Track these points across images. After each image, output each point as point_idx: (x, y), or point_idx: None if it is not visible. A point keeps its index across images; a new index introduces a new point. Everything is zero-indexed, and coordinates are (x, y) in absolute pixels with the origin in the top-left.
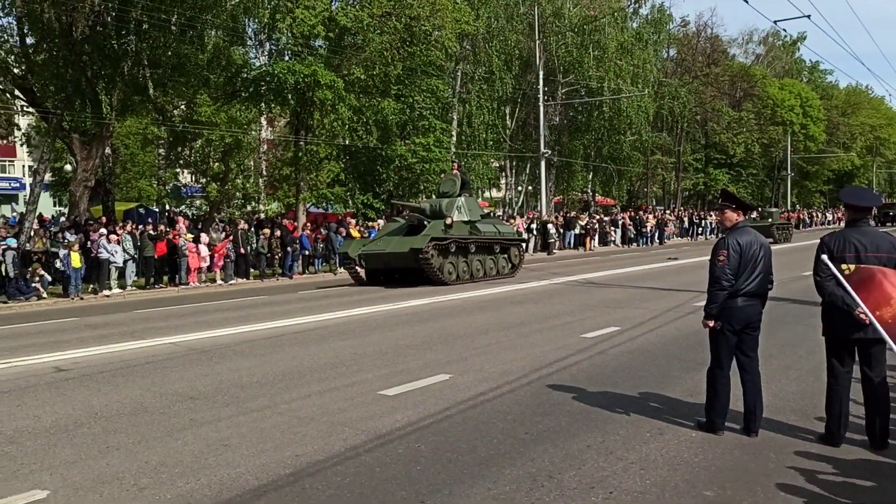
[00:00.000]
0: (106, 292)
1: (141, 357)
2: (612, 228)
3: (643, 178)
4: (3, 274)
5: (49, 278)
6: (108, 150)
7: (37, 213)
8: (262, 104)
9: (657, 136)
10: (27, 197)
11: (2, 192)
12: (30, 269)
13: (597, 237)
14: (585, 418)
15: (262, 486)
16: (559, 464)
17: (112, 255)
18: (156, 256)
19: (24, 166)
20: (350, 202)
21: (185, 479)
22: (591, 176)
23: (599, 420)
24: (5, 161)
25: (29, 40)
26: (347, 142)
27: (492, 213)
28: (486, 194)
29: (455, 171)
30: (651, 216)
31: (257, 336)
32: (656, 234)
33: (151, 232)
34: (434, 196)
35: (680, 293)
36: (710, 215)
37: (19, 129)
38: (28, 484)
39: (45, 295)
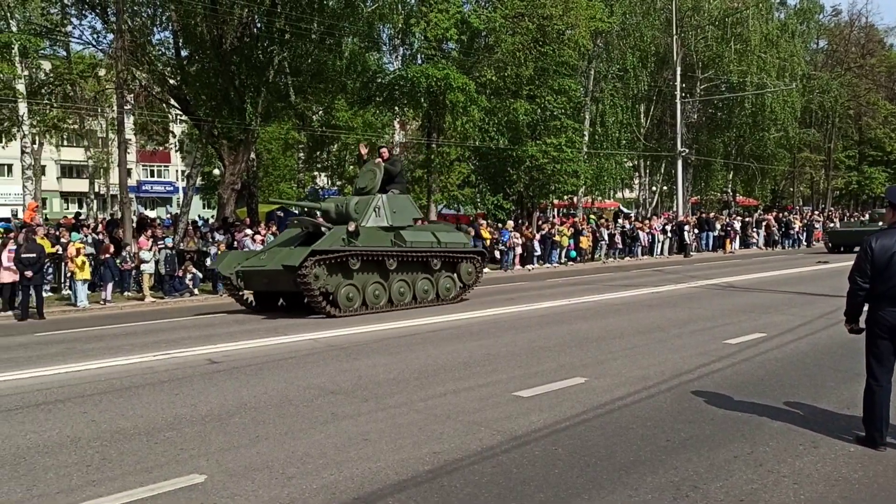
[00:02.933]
0: None
1: (284, 352)
2: (755, 230)
3: (789, 176)
4: (160, 271)
5: (200, 276)
6: (252, 155)
7: (189, 215)
8: (396, 108)
9: (805, 133)
10: (180, 199)
11: (158, 195)
12: (182, 267)
13: (738, 239)
14: (731, 427)
15: (402, 482)
16: (704, 474)
17: None
18: None
19: (177, 171)
20: (480, 203)
21: (329, 470)
22: (731, 175)
23: (747, 430)
24: (161, 166)
25: (183, 53)
26: (478, 143)
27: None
28: (619, 195)
29: (379, 160)
30: (798, 217)
31: (392, 335)
32: (803, 236)
33: None
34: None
35: (832, 299)
36: (865, 215)
37: (174, 136)
38: (188, 468)
39: (196, 292)
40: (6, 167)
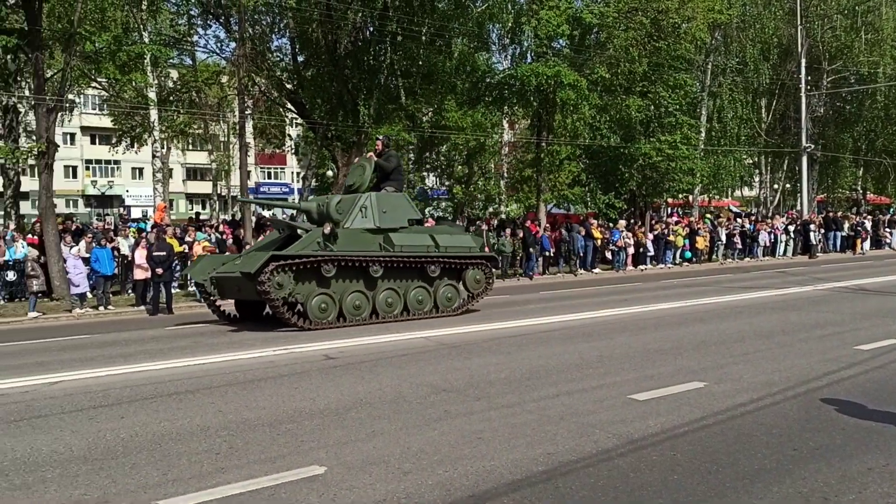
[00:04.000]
0: None
1: (397, 349)
2: (888, 229)
3: None
4: None
5: None
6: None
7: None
8: (505, 107)
9: None
10: (295, 200)
11: (274, 196)
12: None
13: (869, 239)
14: (865, 438)
15: (516, 482)
16: (835, 486)
17: None
18: None
19: (292, 172)
20: (591, 202)
21: (444, 467)
22: (861, 172)
23: (881, 441)
24: (277, 168)
25: (299, 58)
26: (589, 141)
27: (455, 217)
28: (738, 193)
29: (370, 155)
30: None
31: (503, 334)
32: None
33: None
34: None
35: None
36: None
37: (291, 139)
38: (308, 459)
39: None
40: (138, 170)
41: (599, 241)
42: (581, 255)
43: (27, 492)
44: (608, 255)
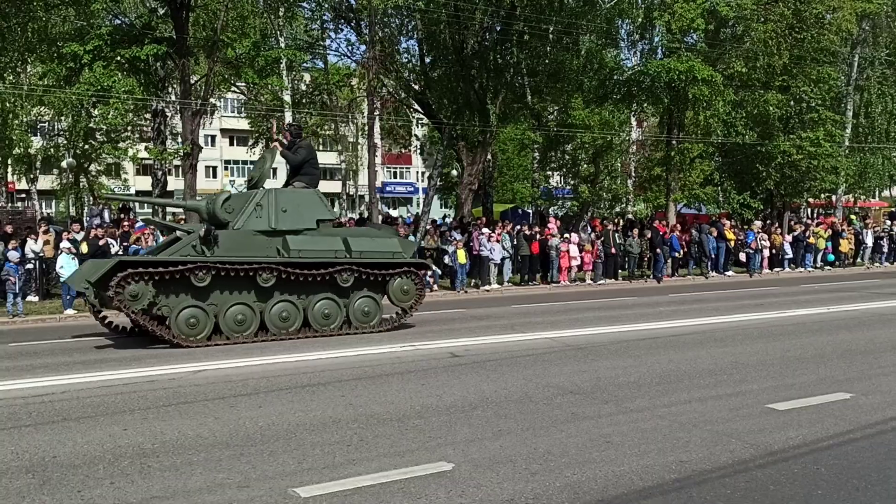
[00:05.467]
0: (486, 287)
1: (522, 349)
2: None
3: None
4: None
5: (439, 272)
6: (488, 156)
7: (430, 214)
8: (634, 104)
9: None
10: (420, 199)
11: (400, 195)
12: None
13: None
14: None
15: (647, 488)
16: None
17: (491, 252)
18: (530, 255)
19: (417, 172)
20: (724, 202)
21: (572, 469)
22: None
23: None
24: (403, 168)
25: (427, 59)
26: (723, 139)
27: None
28: (886, 192)
29: (275, 145)
30: None
31: (631, 337)
32: None
33: (526, 232)
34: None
35: None
36: None
37: (417, 139)
38: (436, 455)
39: (435, 287)
40: (273, 170)
41: (732, 243)
42: (713, 256)
43: (175, 473)
44: (742, 257)
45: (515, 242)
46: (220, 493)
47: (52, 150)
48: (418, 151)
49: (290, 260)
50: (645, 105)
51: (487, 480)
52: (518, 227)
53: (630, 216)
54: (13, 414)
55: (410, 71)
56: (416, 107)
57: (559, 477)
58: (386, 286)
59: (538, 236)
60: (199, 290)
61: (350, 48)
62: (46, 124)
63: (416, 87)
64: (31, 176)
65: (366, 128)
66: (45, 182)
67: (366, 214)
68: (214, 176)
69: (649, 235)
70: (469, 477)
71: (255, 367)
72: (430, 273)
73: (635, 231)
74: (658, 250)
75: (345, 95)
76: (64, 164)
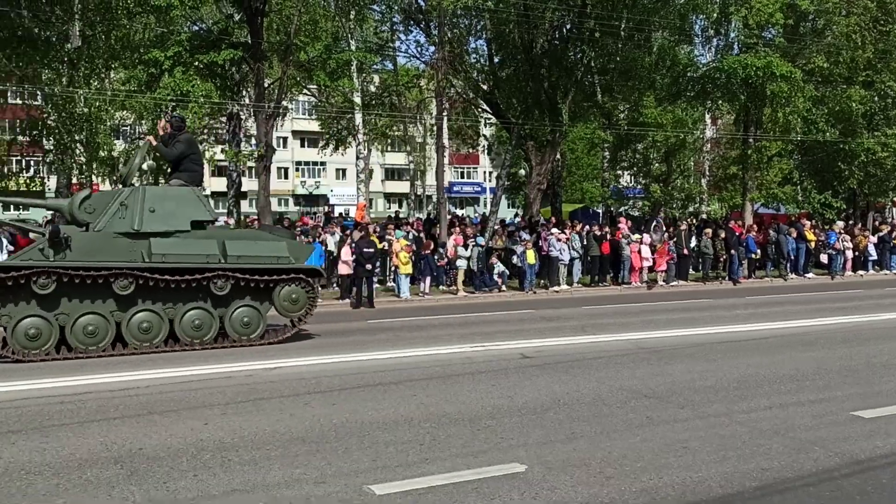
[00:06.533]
0: (555, 288)
1: (593, 351)
2: None
3: None
4: (472, 268)
5: (507, 272)
6: (557, 156)
7: (497, 214)
8: (709, 101)
9: None
10: (487, 199)
11: (467, 195)
12: (489, 262)
13: None
14: None
15: (726, 496)
16: None
17: (560, 253)
18: (601, 255)
19: (484, 172)
20: (804, 202)
21: (648, 474)
22: None
23: None
24: (470, 168)
25: (495, 59)
26: (802, 136)
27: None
28: None
29: (149, 138)
30: None
31: (707, 339)
32: None
33: (596, 232)
34: None
35: None
36: None
37: (486, 139)
38: (508, 457)
39: (503, 288)
40: (341, 171)
41: (813, 244)
42: (792, 258)
43: (255, 467)
44: (823, 258)
45: (585, 243)
46: (297, 487)
47: (133, 152)
48: (486, 151)
49: (150, 265)
50: (720, 102)
51: (561, 483)
52: (588, 227)
53: (704, 216)
54: (101, 406)
55: (479, 71)
56: (485, 107)
57: (635, 482)
58: (271, 294)
59: (608, 236)
60: (45, 299)
61: (419, 49)
62: (128, 128)
63: (485, 86)
64: (114, 177)
65: (434, 128)
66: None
67: (433, 214)
68: (286, 177)
69: (724, 236)
70: (542, 479)
71: (328, 365)
72: (497, 273)
73: (709, 231)
74: (733, 251)
75: (413, 96)
76: (145, 165)
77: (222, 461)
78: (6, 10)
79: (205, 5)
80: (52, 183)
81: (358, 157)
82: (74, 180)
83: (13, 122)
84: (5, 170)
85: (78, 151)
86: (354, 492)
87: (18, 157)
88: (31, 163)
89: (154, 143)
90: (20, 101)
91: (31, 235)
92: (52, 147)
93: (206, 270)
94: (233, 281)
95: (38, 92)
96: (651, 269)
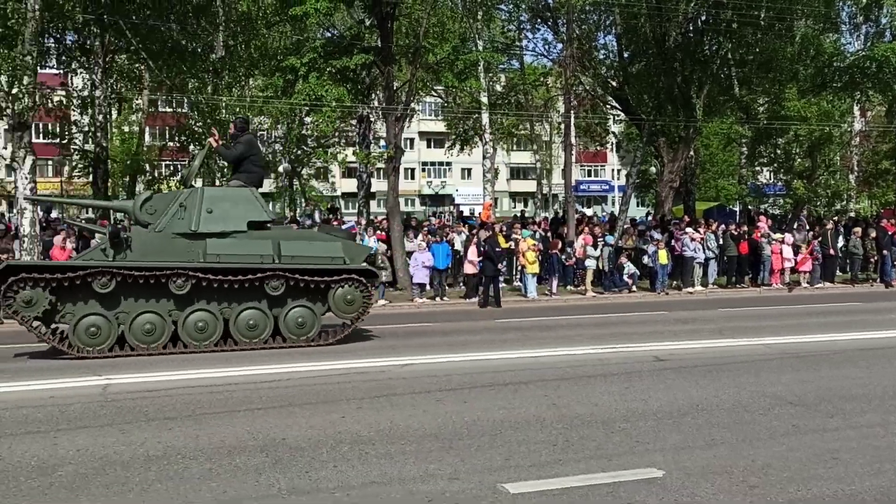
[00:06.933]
0: (689, 289)
1: (732, 355)
2: None
3: None
4: (601, 268)
5: (638, 273)
6: (691, 152)
7: (627, 213)
8: (858, 93)
9: None
10: (615, 198)
11: (594, 193)
12: (618, 262)
13: None
14: None
15: None
16: None
17: (695, 253)
18: (738, 255)
19: (612, 170)
20: None
21: (795, 485)
22: None
23: None
24: (597, 166)
25: (625, 54)
26: None
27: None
28: None
29: (210, 140)
30: None
31: (858, 345)
32: None
33: (734, 231)
34: None
35: None
36: None
37: (615, 136)
38: (644, 461)
39: (634, 288)
40: (467, 171)
41: None
42: None
43: (390, 461)
44: None
45: (721, 242)
46: (432, 482)
47: (269, 156)
48: (614, 149)
49: (205, 265)
50: (871, 93)
51: (702, 490)
52: (724, 225)
53: (852, 214)
54: (247, 397)
55: (608, 67)
56: (614, 103)
57: (781, 492)
58: (326, 295)
59: (746, 236)
60: (106, 298)
61: (546, 47)
62: (265, 132)
63: (614, 83)
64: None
65: (561, 126)
66: (264, 185)
67: (560, 213)
68: (413, 177)
69: (875, 235)
70: (681, 485)
71: (458, 363)
72: (627, 273)
73: (858, 230)
74: (885, 252)
75: (540, 95)
76: (280, 168)
77: (360, 454)
78: (158, 24)
79: (337, 12)
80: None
81: (484, 157)
82: (217, 183)
83: (163, 129)
84: (156, 173)
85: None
86: (488, 489)
87: (168, 162)
88: (180, 167)
89: (216, 144)
90: (169, 109)
91: (97, 236)
92: (198, 151)
93: (260, 271)
94: (287, 281)
95: (185, 100)
96: (793, 271)
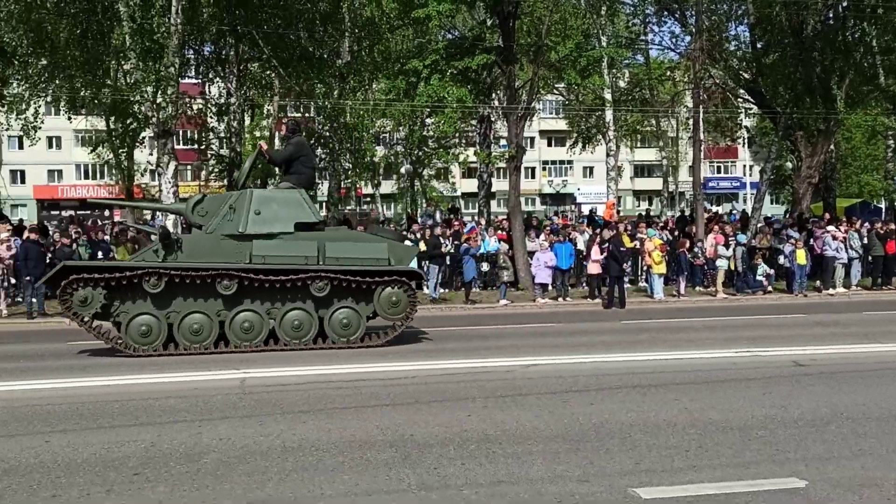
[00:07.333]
0: (830, 291)
1: (880, 361)
2: None
3: None
4: (733, 268)
5: (773, 274)
6: (831, 146)
7: (761, 211)
8: None
9: None
10: (746, 195)
11: (723, 190)
12: (752, 262)
13: None
14: None
15: None
16: None
17: (837, 252)
18: (885, 255)
19: (744, 166)
20: None
21: None
22: None
23: None
24: (728, 161)
25: (758, 45)
26: None
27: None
28: None
29: (261, 143)
30: None
31: None
32: None
33: (879, 230)
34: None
35: None
36: None
37: (747, 131)
38: (785, 470)
39: (769, 290)
40: (589, 169)
41: None
42: None
43: (517, 461)
44: None
45: (866, 241)
46: (561, 484)
47: (392, 157)
48: (746, 144)
49: (250, 266)
50: None
51: (848, 503)
52: (868, 224)
53: None
54: (375, 394)
55: (740, 59)
56: (746, 96)
57: None
58: (371, 296)
59: (895, 235)
60: (157, 297)
61: (673, 40)
62: (387, 134)
63: (747, 75)
64: (375, 181)
65: (689, 122)
66: (386, 186)
67: (687, 212)
68: (533, 176)
69: None
70: (826, 497)
71: (584, 364)
72: (761, 273)
73: None
74: None
75: (667, 89)
76: (402, 170)
77: (487, 452)
78: (288, 32)
79: (459, 14)
80: (324, 188)
81: (608, 155)
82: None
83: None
84: None
85: (344, 158)
86: (619, 493)
87: None
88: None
89: (265, 147)
90: (297, 114)
91: (152, 238)
92: (324, 155)
93: (304, 272)
94: (332, 282)
95: (312, 104)
96: None
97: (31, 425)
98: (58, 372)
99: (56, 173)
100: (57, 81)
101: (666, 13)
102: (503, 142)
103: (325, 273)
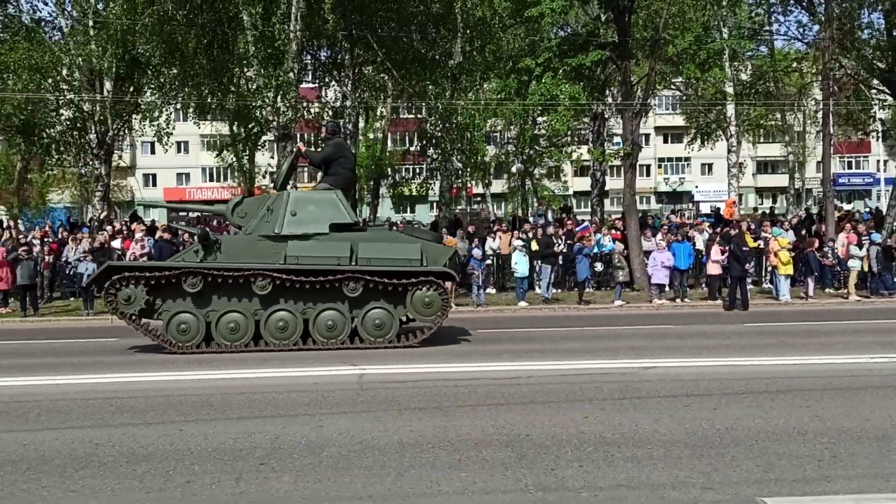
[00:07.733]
0: None
1: None
2: None
3: None
4: (868, 269)
5: None
6: None
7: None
8: None
9: None
10: (881, 192)
11: (854, 187)
12: (888, 263)
13: None
14: None
15: None
16: None
17: None
18: None
19: (877, 161)
20: None
21: None
22: None
23: None
24: (859, 156)
25: (894, 32)
26: None
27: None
28: None
29: (300, 144)
30: None
31: None
32: None
33: None
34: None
35: None
36: None
37: (882, 124)
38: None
39: None
40: (707, 166)
41: None
42: None
43: (637, 465)
44: None
45: None
46: (684, 490)
47: (503, 156)
48: (880, 138)
49: (284, 267)
50: None
51: None
52: None
53: None
54: (489, 393)
55: (874, 48)
56: (881, 87)
57: None
58: (405, 297)
59: None
60: (197, 296)
61: (800, 30)
62: (498, 134)
63: (881, 64)
64: (486, 181)
65: (817, 115)
66: (497, 186)
67: (814, 209)
68: (648, 174)
69: None
70: None
71: (706, 367)
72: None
73: None
74: None
75: (793, 81)
76: (513, 169)
77: (605, 455)
78: (401, 35)
79: (572, 10)
80: (435, 188)
81: (729, 151)
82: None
83: (403, 134)
84: (397, 177)
85: (456, 158)
86: (747, 502)
87: (409, 166)
88: (418, 170)
89: (303, 148)
90: (410, 115)
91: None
92: (436, 155)
93: (337, 272)
94: (366, 283)
95: (424, 105)
96: None
97: (166, 414)
98: (188, 365)
99: (184, 176)
100: (186, 89)
101: (792, 1)
102: (617, 139)
103: (358, 274)
